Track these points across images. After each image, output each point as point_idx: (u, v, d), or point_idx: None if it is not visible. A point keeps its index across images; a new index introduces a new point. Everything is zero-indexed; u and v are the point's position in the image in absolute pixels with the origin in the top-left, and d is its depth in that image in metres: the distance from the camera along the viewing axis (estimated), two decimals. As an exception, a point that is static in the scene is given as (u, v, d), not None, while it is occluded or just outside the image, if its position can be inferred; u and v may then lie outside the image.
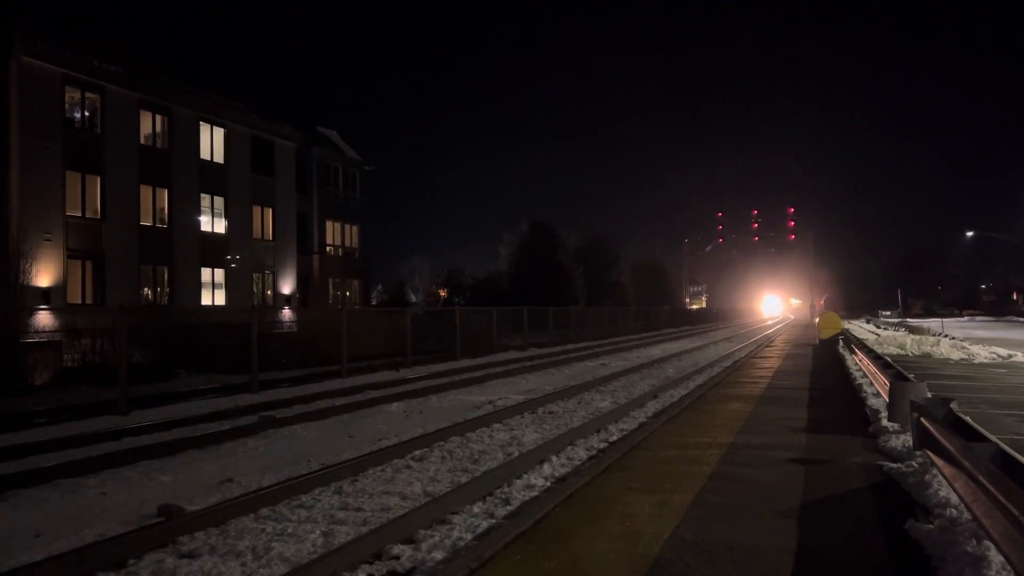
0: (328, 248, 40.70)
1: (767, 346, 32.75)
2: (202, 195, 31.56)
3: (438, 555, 5.82)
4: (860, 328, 49.21)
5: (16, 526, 6.99)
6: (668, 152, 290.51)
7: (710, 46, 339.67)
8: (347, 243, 42.36)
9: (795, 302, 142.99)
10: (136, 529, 6.44)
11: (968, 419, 6.43)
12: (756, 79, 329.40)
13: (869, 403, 12.09)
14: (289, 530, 6.57)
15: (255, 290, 34.22)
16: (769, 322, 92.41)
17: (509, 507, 7.15)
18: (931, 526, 5.36)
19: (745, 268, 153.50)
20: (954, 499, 5.75)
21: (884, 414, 10.12)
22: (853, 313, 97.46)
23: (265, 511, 7.13)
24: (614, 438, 10.96)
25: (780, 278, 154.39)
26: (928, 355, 23.49)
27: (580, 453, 9.84)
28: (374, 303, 52.08)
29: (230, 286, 32.49)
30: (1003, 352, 22.79)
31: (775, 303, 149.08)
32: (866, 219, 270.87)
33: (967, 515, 5.25)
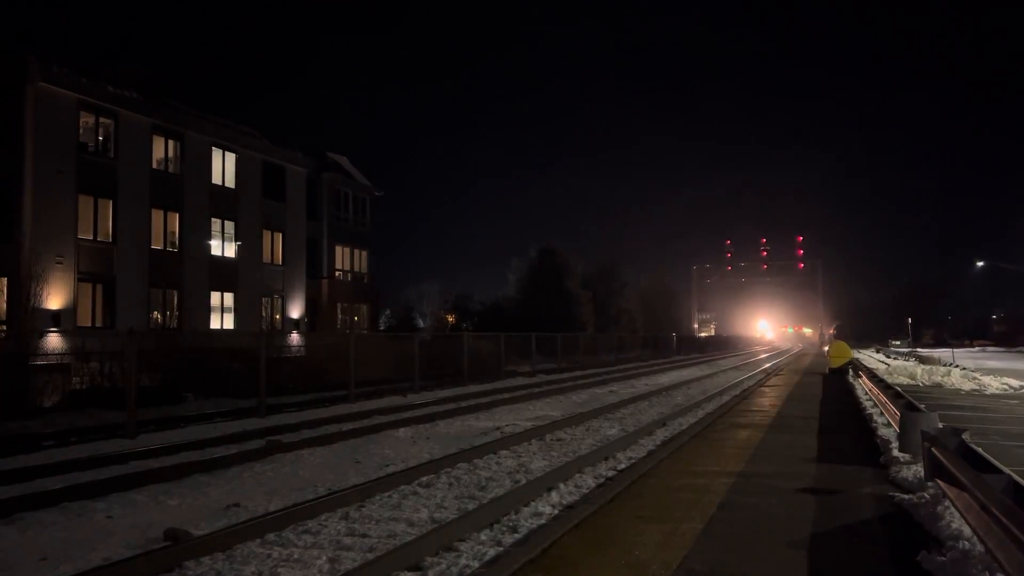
0: (337, 273, 40.84)
1: (776, 374, 32.58)
2: (213, 219, 31.77)
3: (445, 583, 5.78)
4: (870, 357, 48.89)
5: (22, 549, 6.98)
6: (677, 177, 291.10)
7: (716, 71, 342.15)
8: (356, 268, 42.50)
9: (807, 331, 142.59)
10: (142, 553, 6.41)
11: (980, 450, 6.38)
12: (762, 106, 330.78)
13: (879, 433, 11.99)
14: (295, 556, 6.54)
15: (264, 314, 34.31)
16: (765, 350, 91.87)
17: (516, 535, 7.10)
18: (943, 558, 5.29)
19: (754, 296, 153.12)
20: (967, 531, 5.68)
21: (895, 444, 10.03)
22: (863, 342, 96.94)
23: (271, 536, 7.10)
24: (623, 466, 10.89)
25: (789, 307, 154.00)
26: (939, 385, 23.32)
27: (588, 481, 9.78)
28: (382, 328, 52.11)
29: (239, 310, 32.59)
30: (1015, 383, 22.61)
31: (769, 330, 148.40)
32: (876, 248, 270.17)
33: (980, 547, 5.19)
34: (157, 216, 29.21)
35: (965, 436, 6.84)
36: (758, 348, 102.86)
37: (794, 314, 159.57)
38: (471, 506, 8.25)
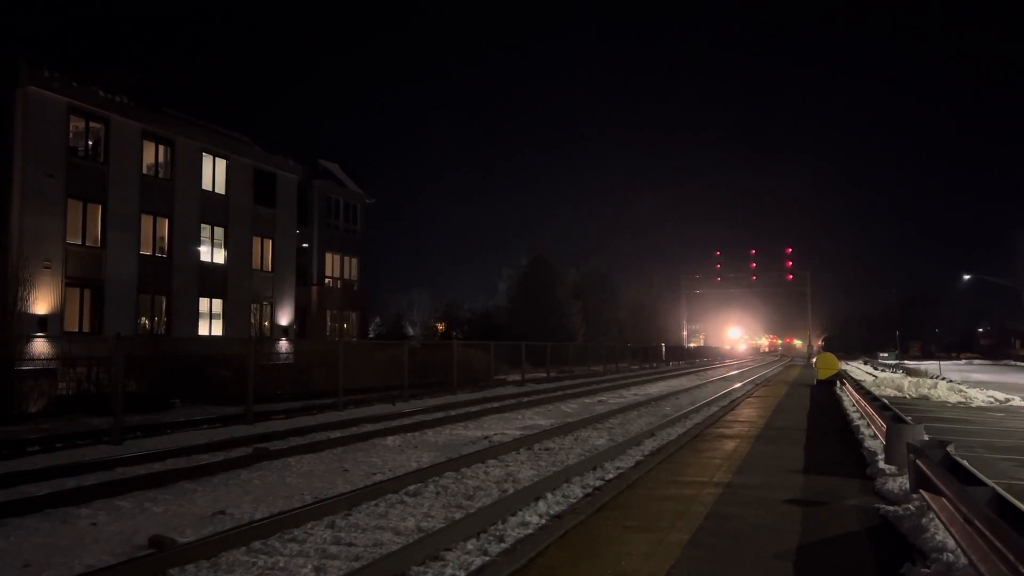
0: (327, 280, 40.78)
1: (764, 385, 32.67)
2: (203, 225, 31.71)
3: (431, 592, 5.76)
4: (858, 369, 49.12)
5: (5, 555, 6.92)
6: (669, 190, 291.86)
7: (709, 81, 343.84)
8: (346, 275, 42.45)
9: (798, 343, 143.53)
10: (126, 560, 6.38)
11: (965, 463, 6.42)
12: (753, 118, 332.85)
13: (866, 445, 12.05)
14: (281, 564, 6.51)
15: (253, 321, 34.21)
16: (752, 363, 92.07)
17: (503, 544, 7.09)
18: (928, 570, 5.32)
19: (743, 307, 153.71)
20: (951, 543, 5.72)
21: (881, 456, 10.08)
22: (851, 354, 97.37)
23: (257, 544, 7.07)
24: (610, 476, 10.89)
25: (778, 318, 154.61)
26: (925, 397, 23.43)
27: (576, 491, 9.77)
28: (372, 336, 52.04)
29: (228, 316, 32.48)
30: (1000, 396, 22.75)
31: (743, 341, 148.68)
32: (865, 261, 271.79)
33: (964, 560, 5.22)
34: (147, 221, 29.12)
35: (950, 448, 6.87)
36: (747, 359, 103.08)
37: (783, 326, 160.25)
38: (458, 515, 8.23)
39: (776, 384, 33.24)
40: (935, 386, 25.62)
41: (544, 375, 38.59)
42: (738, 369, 61.02)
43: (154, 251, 29.49)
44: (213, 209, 32.16)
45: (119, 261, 27.53)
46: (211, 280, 31.80)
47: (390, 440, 15.01)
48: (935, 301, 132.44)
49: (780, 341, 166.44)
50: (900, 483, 8.32)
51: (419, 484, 10.06)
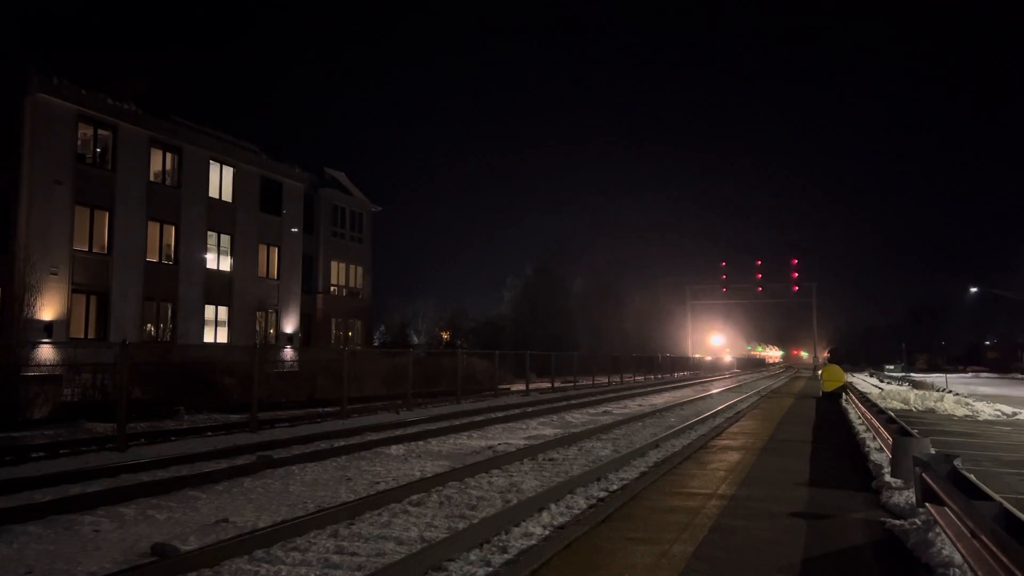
0: (332, 288, 40.84)
1: (769, 397, 32.54)
2: (209, 233, 31.81)
3: (433, 603, 5.73)
4: (863, 381, 48.97)
5: (8, 562, 6.92)
6: (673, 199, 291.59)
7: (711, 94, 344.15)
8: (351, 283, 42.51)
9: (804, 355, 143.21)
10: (129, 568, 6.36)
11: (972, 477, 6.38)
12: (757, 128, 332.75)
13: (872, 458, 11.96)
14: (283, 573, 6.50)
15: (258, 328, 34.26)
16: (757, 374, 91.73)
17: (506, 555, 7.06)
18: (934, 586, 5.27)
19: (749, 318, 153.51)
20: (957, 559, 5.67)
21: (887, 469, 10.01)
22: (858, 366, 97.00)
23: (260, 553, 7.05)
24: (615, 487, 10.85)
25: (784, 330, 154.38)
26: (932, 411, 23.31)
27: (580, 502, 9.74)
28: (376, 344, 52.07)
29: (233, 324, 32.54)
30: (1008, 410, 22.63)
31: (727, 351, 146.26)
32: (871, 273, 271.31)
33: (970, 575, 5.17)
34: (153, 229, 29.24)
35: (957, 462, 6.83)
36: (755, 370, 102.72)
37: (788, 337, 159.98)
38: (461, 525, 8.20)
39: (781, 396, 33.12)
40: (941, 399, 25.50)
41: (549, 385, 38.52)
42: (743, 380, 60.83)
43: (160, 258, 29.60)
44: (219, 217, 32.27)
45: (125, 268, 27.62)
46: (217, 287, 31.88)
47: (394, 449, 14.99)
48: (942, 314, 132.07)
49: (781, 352, 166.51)
50: (906, 497, 8.25)
51: (422, 494, 10.04)
